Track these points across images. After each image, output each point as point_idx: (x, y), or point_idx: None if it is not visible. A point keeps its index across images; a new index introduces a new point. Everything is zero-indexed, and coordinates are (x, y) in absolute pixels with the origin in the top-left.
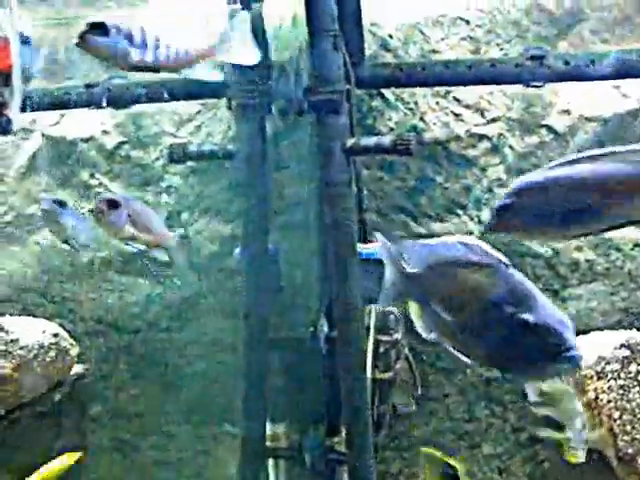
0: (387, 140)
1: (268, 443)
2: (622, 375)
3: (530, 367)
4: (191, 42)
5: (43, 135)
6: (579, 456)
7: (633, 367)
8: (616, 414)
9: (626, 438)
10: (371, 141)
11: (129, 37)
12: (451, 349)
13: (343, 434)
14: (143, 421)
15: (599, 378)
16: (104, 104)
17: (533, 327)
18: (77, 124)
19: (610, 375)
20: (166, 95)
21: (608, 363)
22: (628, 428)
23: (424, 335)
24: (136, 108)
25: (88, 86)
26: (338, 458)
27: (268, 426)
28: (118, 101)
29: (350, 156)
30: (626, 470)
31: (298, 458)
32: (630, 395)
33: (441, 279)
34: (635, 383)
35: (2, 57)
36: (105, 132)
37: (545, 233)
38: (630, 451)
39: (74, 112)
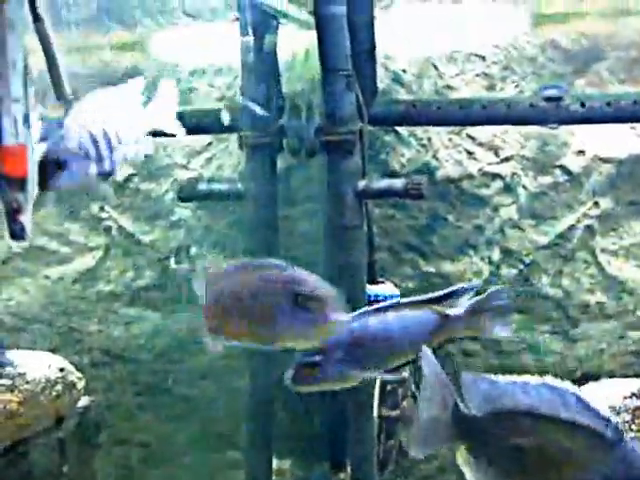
0: (399, 183)
1: (274, 479)
2: (633, 427)
3: None
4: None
5: None
6: None
7: None
8: None
9: None
10: (383, 184)
11: (86, 154)
12: None
13: (348, 470)
14: (150, 450)
15: None
16: None
17: None
18: None
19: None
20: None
21: (619, 413)
22: None
23: None
24: None
25: None
26: None
27: (274, 462)
28: None
29: (362, 199)
30: None
31: None
32: None
33: (514, 434)
34: None
35: (19, 163)
36: None
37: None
38: None
39: None
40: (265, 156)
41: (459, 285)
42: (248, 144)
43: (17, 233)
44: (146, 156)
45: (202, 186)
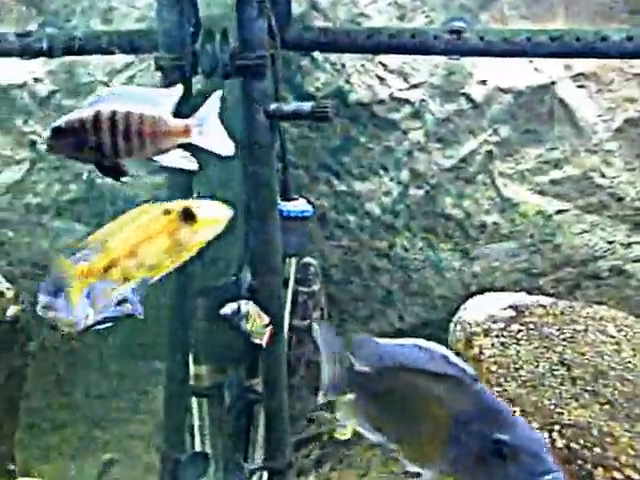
0: (306, 106)
1: (192, 383)
2: (505, 334)
3: None
4: None
5: None
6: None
7: (514, 326)
8: (493, 368)
9: (498, 389)
10: (292, 107)
11: None
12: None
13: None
14: (77, 358)
15: (485, 335)
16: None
17: (509, 447)
18: (7, 71)
19: (495, 333)
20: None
21: (495, 322)
22: (501, 380)
23: (369, 436)
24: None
25: (20, 35)
26: (255, 398)
27: (193, 367)
28: (53, 51)
29: (272, 120)
30: None
31: (219, 397)
32: (508, 352)
33: (394, 384)
34: (513, 341)
35: None
36: (37, 80)
37: None
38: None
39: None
40: (179, 78)
41: None
42: (163, 66)
43: None
44: None
45: None
